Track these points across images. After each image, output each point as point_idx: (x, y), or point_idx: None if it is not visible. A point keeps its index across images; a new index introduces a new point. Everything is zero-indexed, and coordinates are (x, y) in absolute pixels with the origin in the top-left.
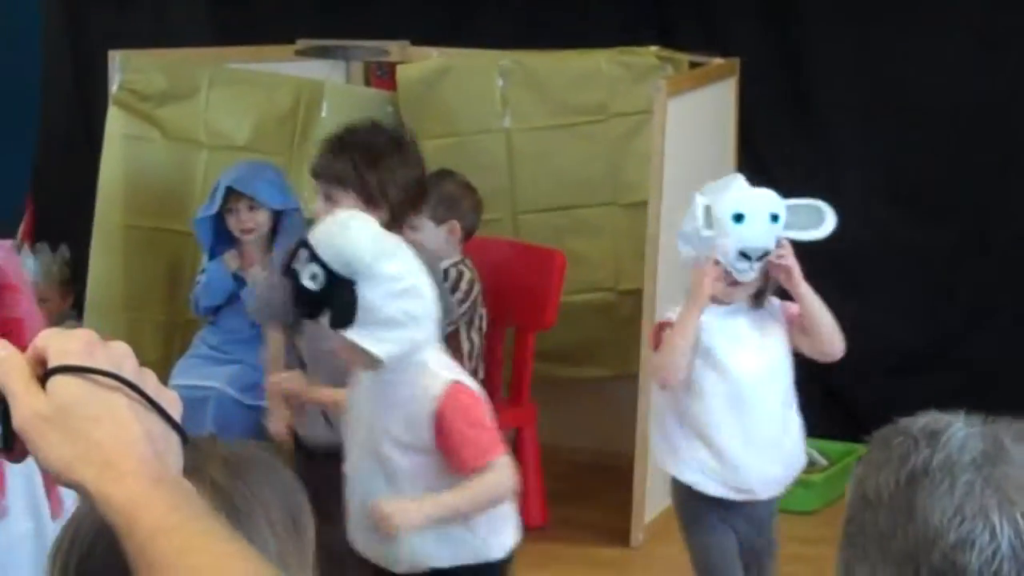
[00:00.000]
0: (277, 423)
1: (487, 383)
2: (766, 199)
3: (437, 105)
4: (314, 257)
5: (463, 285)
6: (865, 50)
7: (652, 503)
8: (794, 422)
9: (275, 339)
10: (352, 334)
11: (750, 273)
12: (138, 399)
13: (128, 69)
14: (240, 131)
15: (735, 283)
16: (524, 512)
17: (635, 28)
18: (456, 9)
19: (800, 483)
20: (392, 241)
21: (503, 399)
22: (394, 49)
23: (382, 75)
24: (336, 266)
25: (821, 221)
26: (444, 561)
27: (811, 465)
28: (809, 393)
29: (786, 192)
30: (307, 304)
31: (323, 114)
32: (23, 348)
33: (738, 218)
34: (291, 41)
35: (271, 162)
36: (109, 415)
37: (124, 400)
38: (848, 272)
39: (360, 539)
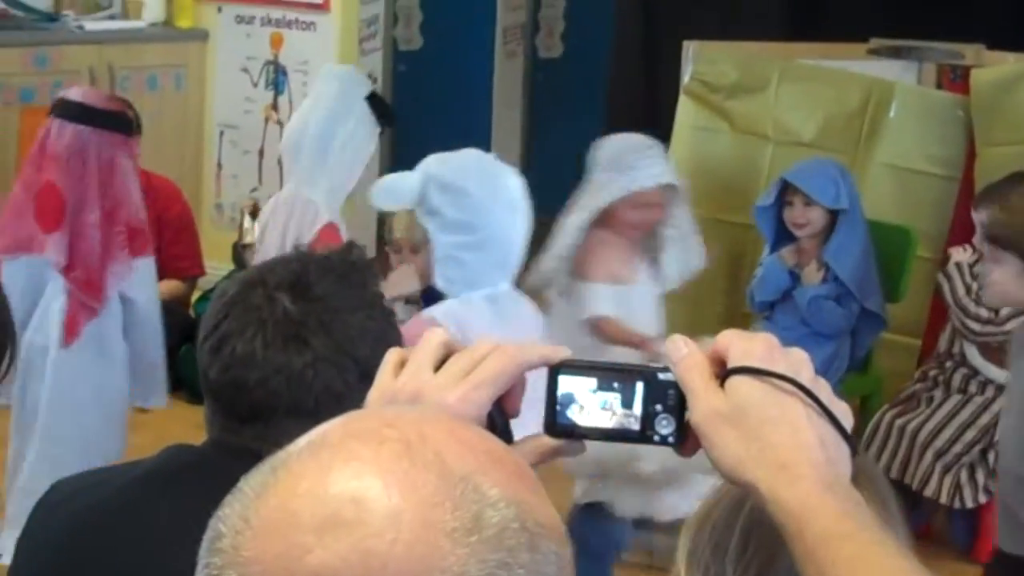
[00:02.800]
0: None
1: None
2: None
3: (1010, 111)
4: None
5: None
6: None
7: None
8: None
9: None
10: None
11: None
12: (813, 406)
13: (701, 60)
14: (807, 127)
15: None
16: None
17: None
18: None
19: None
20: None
21: None
22: (969, 52)
23: (955, 78)
24: None
25: None
26: None
27: None
28: None
29: None
30: None
31: (891, 115)
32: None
33: None
34: (864, 39)
35: (836, 160)
36: (785, 419)
37: (800, 406)
38: None
39: None
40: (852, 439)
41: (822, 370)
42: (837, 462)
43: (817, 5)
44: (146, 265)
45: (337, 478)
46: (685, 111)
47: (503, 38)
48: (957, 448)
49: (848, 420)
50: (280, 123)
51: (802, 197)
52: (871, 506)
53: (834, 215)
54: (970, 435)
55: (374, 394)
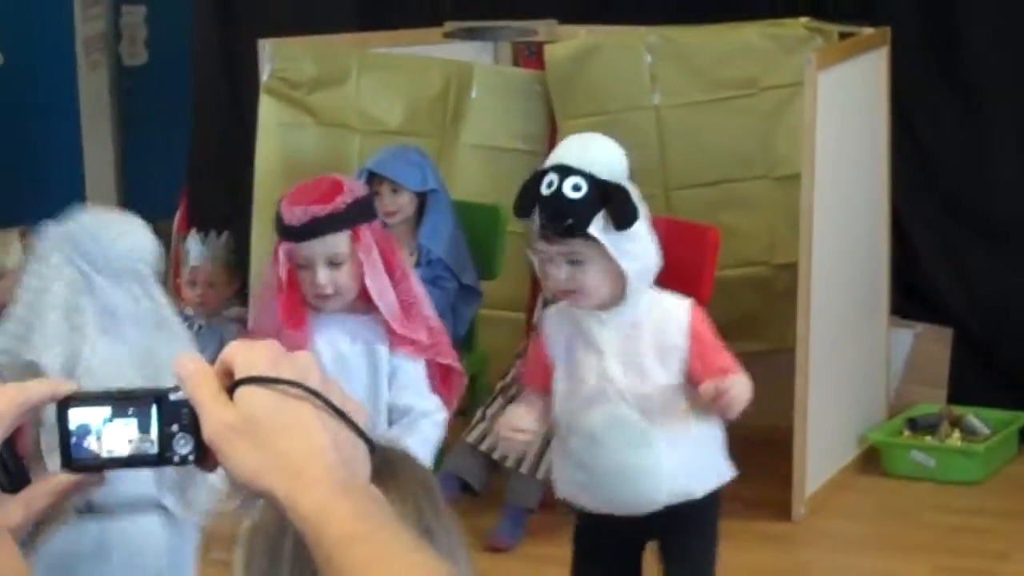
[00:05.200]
0: None
1: None
2: None
3: (586, 83)
4: (569, 171)
5: None
6: (1020, 14)
7: (813, 477)
8: None
9: None
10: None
11: None
12: (324, 408)
13: (278, 58)
14: (392, 115)
15: None
16: None
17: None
18: None
19: (962, 452)
20: None
21: None
22: (541, 28)
23: (530, 55)
24: (602, 173)
25: None
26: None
27: (973, 434)
28: (971, 362)
29: (942, 165)
30: (578, 214)
31: (473, 96)
32: None
33: None
34: (438, 23)
35: (418, 145)
36: (296, 424)
37: (310, 410)
38: (1004, 239)
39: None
40: (367, 436)
41: None
42: (353, 462)
43: None
44: None
45: None
46: (267, 109)
47: (85, 49)
48: None
49: (362, 418)
50: None
51: (389, 185)
52: (397, 503)
53: (422, 200)
54: None
55: None
